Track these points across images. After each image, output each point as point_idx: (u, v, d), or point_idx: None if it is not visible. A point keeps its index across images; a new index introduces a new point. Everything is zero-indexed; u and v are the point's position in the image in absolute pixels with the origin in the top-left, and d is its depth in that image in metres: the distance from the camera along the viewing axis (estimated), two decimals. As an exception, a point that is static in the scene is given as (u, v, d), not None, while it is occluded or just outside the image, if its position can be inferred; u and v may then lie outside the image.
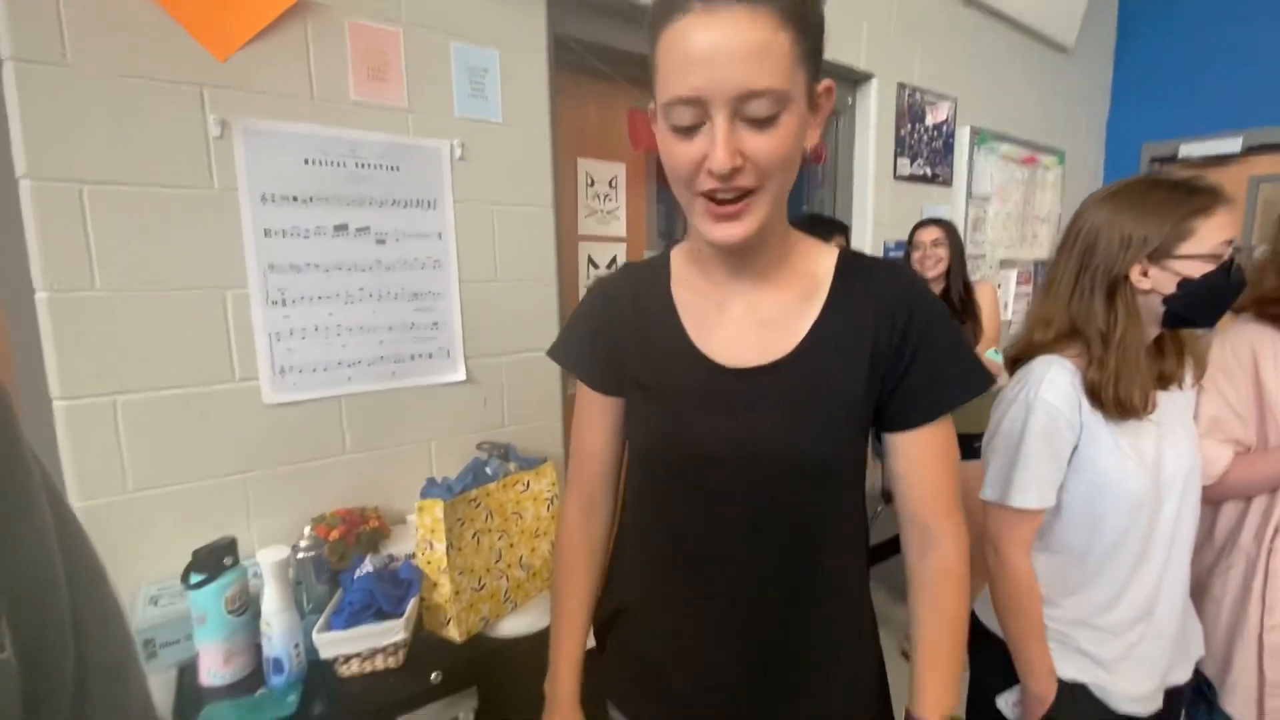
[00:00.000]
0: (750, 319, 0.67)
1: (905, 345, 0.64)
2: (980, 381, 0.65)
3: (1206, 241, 0.83)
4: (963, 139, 2.80)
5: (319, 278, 1.31)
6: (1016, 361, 0.96)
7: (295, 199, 1.27)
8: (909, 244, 2.11)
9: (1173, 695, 0.95)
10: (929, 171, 2.70)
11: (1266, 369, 0.99)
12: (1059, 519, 0.92)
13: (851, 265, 0.68)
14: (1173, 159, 3.60)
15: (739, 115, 0.54)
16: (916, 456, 0.67)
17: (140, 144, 1.12)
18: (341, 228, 1.32)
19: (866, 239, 2.51)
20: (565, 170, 1.73)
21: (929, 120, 2.65)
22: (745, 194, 0.57)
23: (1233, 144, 3.37)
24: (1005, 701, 0.95)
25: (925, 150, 2.66)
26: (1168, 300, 0.86)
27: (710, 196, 0.58)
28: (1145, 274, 0.86)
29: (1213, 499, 1.04)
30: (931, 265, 2.02)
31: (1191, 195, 0.84)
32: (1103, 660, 0.90)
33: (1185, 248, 0.84)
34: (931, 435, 0.66)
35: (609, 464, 0.79)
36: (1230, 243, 0.84)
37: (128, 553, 1.16)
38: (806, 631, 0.70)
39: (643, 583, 0.76)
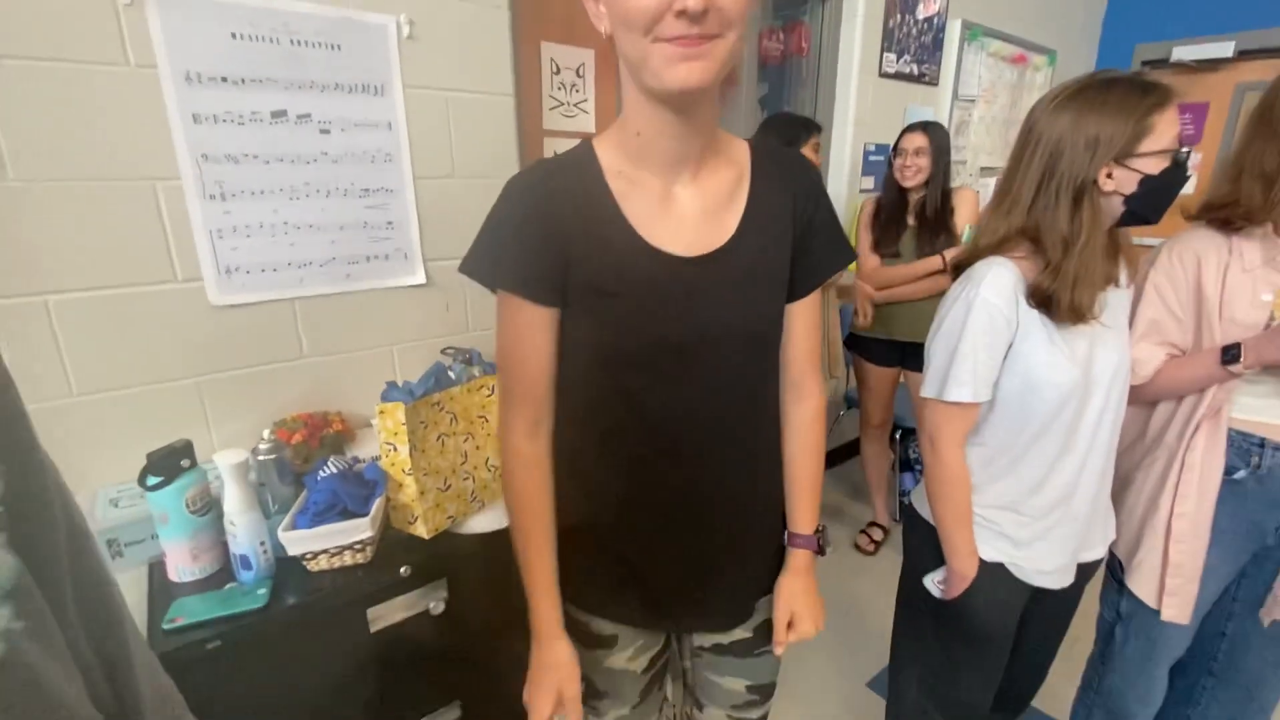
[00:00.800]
0: (694, 207, 0.70)
1: (810, 227, 0.75)
2: (848, 256, 0.79)
3: (1164, 136, 0.83)
4: (953, 34, 2.65)
5: (259, 170, 1.21)
6: (960, 267, 0.96)
7: (225, 80, 1.15)
8: (893, 150, 2.03)
9: (1083, 571, 1.04)
10: (915, 69, 2.57)
11: (1208, 276, 1.00)
12: (992, 412, 0.96)
13: (764, 154, 0.75)
14: (1165, 62, 3.49)
15: None
16: (801, 321, 0.79)
17: (38, 10, 0.99)
18: (280, 114, 1.21)
19: (847, 140, 2.42)
20: (527, 55, 1.59)
21: (920, 12, 2.49)
22: (708, 40, 0.57)
23: (1225, 48, 3.26)
24: (931, 580, 1.03)
25: (913, 46, 2.52)
26: (1129, 199, 0.86)
27: (674, 40, 0.57)
28: (1110, 175, 0.85)
29: (1144, 399, 1.09)
30: (911, 175, 1.96)
31: (1146, 92, 0.83)
32: (1020, 541, 0.97)
33: (1146, 144, 0.84)
34: (811, 302, 0.79)
35: (551, 379, 0.75)
36: (1179, 136, 0.84)
37: (81, 456, 1.14)
38: (756, 490, 0.81)
39: (612, 487, 0.77)
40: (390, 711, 1.14)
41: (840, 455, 2.98)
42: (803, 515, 0.83)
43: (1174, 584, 1.04)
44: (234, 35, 1.15)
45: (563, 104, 1.72)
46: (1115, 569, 1.16)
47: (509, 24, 1.46)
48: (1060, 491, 0.96)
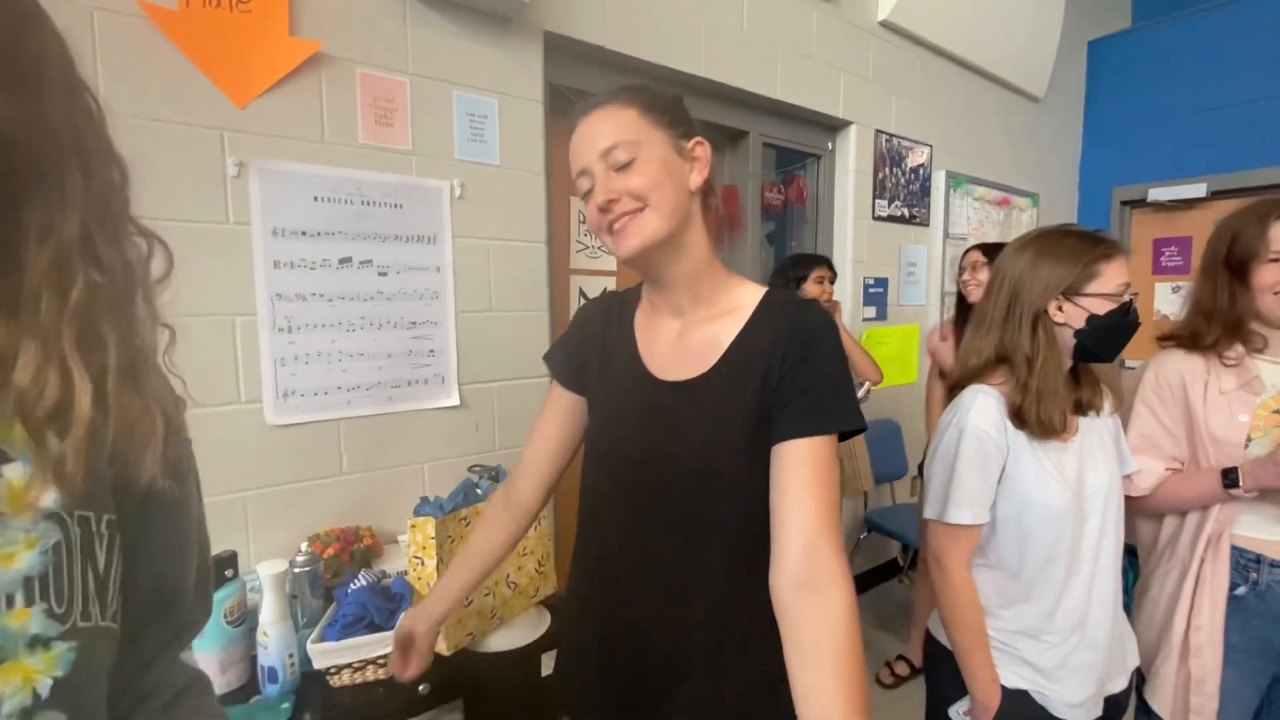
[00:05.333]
0: (680, 342, 0.79)
1: (788, 374, 0.71)
2: (839, 422, 0.70)
3: (1109, 282, 0.96)
4: (939, 182, 2.94)
5: (323, 307, 1.39)
6: (954, 389, 1.05)
7: (304, 233, 1.36)
8: (959, 268, 2.11)
9: (1111, 704, 1.01)
10: (906, 212, 2.83)
11: (1195, 395, 1.09)
12: (994, 534, 1.00)
13: (771, 302, 0.77)
14: (1142, 202, 3.77)
15: (609, 167, 0.72)
16: (789, 478, 0.69)
17: (164, 182, 1.21)
18: (346, 260, 1.41)
19: (846, 275, 2.63)
20: (559, 208, 1.83)
21: (906, 164, 2.80)
22: (629, 216, 0.72)
23: (1198, 189, 3.54)
24: (956, 711, 1.01)
25: (903, 193, 2.80)
26: (1078, 333, 0.97)
27: (609, 229, 0.75)
28: (1060, 309, 0.97)
29: (1147, 511, 1.13)
30: (974, 289, 2.02)
31: (1095, 244, 0.97)
32: (1042, 669, 0.97)
33: (1092, 287, 0.96)
34: (804, 462, 0.68)
35: (544, 455, 0.91)
36: (1128, 286, 0.96)
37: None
38: (696, 622, 0.75)
39: (579, 573, 0.87)
40: (397, 847, 1.10)
41: (863, 582, 2.90)
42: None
43: (1197, 701, 1.02)
44: (315, 198, 1.37)
45: (588, 248, 1.94)
46: (1140, 689, 1.13)
47: (544, 185, 1.70)
48: (1074, 617, 0.98)
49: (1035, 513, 0.95)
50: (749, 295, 0.78)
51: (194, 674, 0.60)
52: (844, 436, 0.73)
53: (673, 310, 0.80)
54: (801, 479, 0.68)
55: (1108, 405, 1.05)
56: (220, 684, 1.08)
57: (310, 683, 1.10)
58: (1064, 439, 0.97)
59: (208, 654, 1.08)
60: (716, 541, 0.74)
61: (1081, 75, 3.92)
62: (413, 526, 1.19)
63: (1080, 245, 0.97)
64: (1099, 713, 0.99)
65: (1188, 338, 1.11)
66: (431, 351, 1.53)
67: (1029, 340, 0.97)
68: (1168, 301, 3.68)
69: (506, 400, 1.67)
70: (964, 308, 2.13)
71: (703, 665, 0.75)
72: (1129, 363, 3.43)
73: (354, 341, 1.43)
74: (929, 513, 1.01)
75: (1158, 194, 3.68)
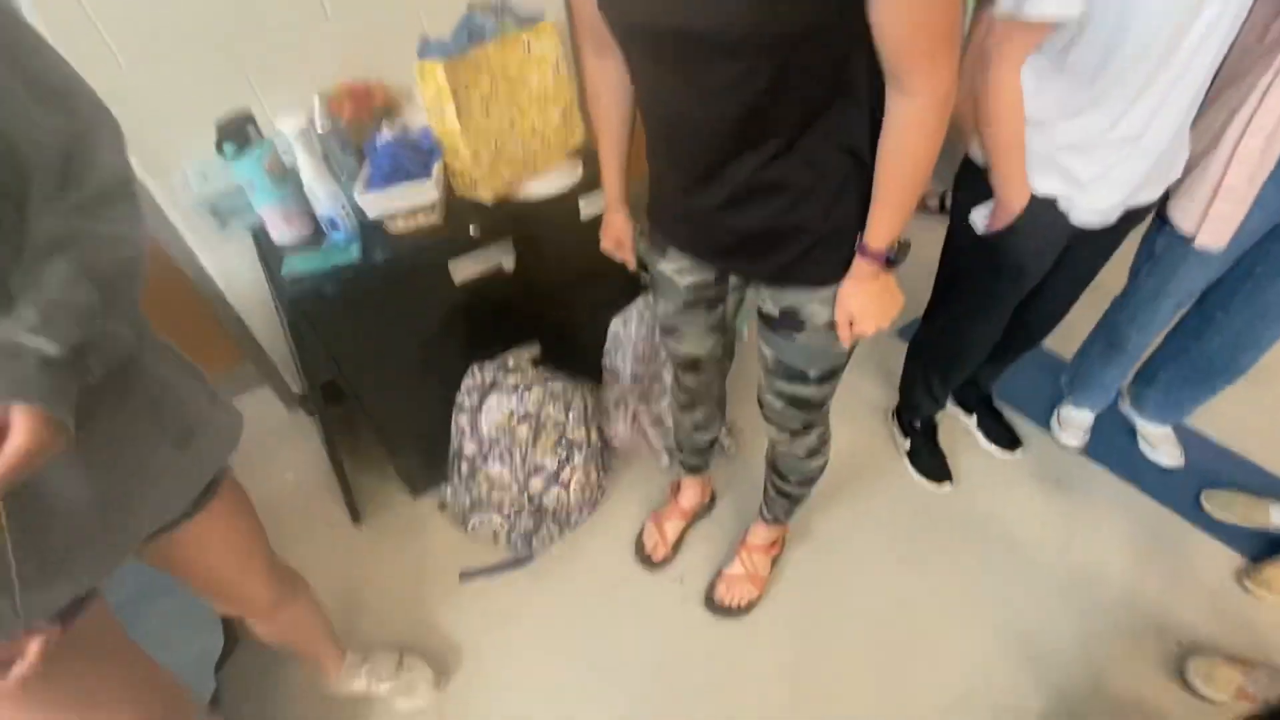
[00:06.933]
0: None
1: None
2: None
3: None
4: None
5: None
6: None
7: None
8: None
9: (1130, 216, 1.02)
10: None
11: None
12: (1082, 34, 0.84)
13: None
14: None
15: None
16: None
17: None
18: None
19: None
20: None
21: None
22: None
23: None
24: (978, 214, 1.05)
25: None
26: None
27: None
28: None
29: None
30: None
31: None
32: (1080, 180, 0.95)
33: None
34: None
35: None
36: None
37: (152, 135, 1.20)
38: (756, 174, 0.73)
39: (649, 125, 0.81)
40: (481, 346, 1.38)
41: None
42: (873, 227, 0.75)
43: (1221, 208, 1.01)
44: None
45: None
46: (1163, 210, 1.13)
47: None
48: (1135, 129, 0.90)
49: (1142, 8, 0.78)
50: None
51: (124, 179, 0.57)
52: None
53: None
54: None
55: None
56: (290, 234, 1.19)
57: (370, 231, 1.20)
58: None
59: (270, 207, 1.15)
60: (772, 113, 0.67)
61: None
62: (421, 72, 1.10)
63: None
64: (1115, 219, 1.00)
65: None
66: None
67: None
68: None
69: (495, -93, 1.32)
70: None
71: (739, 149, 0.73)
72: None
73: None
74: (1004, 5, 0.83)
75: None
